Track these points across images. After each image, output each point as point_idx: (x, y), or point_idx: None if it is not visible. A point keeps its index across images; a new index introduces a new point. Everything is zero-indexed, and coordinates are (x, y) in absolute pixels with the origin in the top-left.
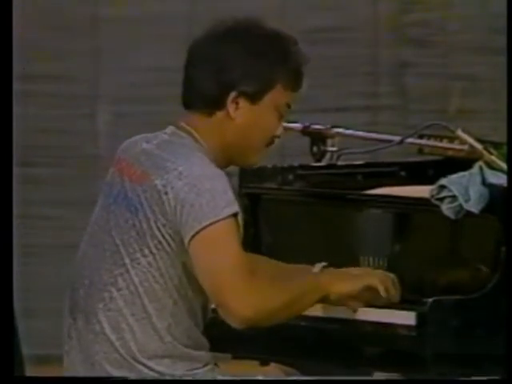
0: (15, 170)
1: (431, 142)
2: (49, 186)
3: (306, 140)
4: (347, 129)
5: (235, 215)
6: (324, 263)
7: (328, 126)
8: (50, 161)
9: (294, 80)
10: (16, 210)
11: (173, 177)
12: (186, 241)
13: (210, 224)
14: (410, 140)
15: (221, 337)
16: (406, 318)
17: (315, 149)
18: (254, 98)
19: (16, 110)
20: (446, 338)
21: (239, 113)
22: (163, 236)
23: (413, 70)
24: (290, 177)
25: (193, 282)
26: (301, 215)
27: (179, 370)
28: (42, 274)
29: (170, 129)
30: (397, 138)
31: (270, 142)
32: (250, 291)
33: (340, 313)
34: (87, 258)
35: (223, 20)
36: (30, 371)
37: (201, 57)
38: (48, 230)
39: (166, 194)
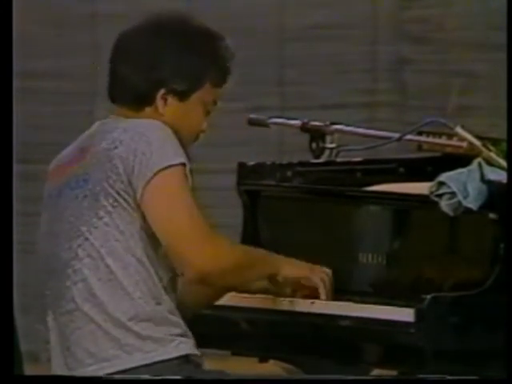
0: (14, 167)
1: (430, 139)
2: None
3: (305, 137)
4: (346, 125)
5: (184, 165)
6: None
7: (327, 123)
8: (48, 158)
9: (222, 77)
10: (15, 207)
11: (118, 133)
12: (140, 191)
13: (162, 169)
14: (408, 137)
15: (220, 334)
16: (404, 314)
17: (314, 145)
18: (182, 95)
19: (15, 106)
20: (444, 334)
21: (167, 109)
22: (118, 192)
23: (412, 67)
24: (289, 173)
25: (154, 242)
26: (300, 212)
27: (158, 334)
28: None
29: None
30: (396, 135)
31: (196, 138)
32: (207, 242)
33: (338, 310)
34: (44, 258)
35: (152, 15)
36: (28, 368)
37: (130, 52)
38: None
39: (116, 148)
